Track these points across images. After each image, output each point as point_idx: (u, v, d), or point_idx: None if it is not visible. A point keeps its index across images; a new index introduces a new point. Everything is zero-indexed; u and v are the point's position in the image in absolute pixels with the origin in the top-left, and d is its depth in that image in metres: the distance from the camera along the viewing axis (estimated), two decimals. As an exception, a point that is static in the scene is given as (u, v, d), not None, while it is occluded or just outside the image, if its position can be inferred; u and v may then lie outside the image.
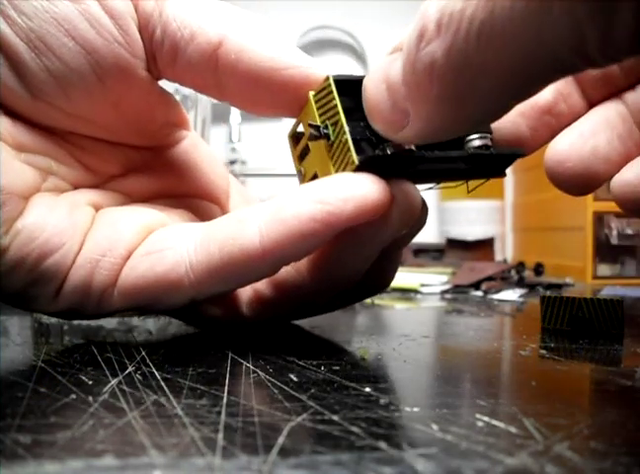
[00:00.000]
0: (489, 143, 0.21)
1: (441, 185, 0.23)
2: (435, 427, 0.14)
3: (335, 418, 0.15)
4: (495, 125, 0.22)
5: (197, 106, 0.58)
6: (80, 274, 0.23)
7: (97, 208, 0.24)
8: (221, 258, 0.21)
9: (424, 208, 0.22)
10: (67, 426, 0.14)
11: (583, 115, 0.22)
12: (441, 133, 0.17)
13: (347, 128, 0.20)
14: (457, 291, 0.50)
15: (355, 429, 0.14)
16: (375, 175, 0.20)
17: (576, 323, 0.28)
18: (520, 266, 0.67)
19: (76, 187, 0.25)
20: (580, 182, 0.21)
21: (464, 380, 0.20)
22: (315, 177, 0.22)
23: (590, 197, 0.63)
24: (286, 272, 0.23)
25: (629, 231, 0.63)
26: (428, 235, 0.87)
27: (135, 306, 0.24)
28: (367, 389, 0.17)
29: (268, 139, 0.90)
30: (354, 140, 0.20)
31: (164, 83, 0.25)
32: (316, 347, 0.26)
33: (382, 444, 0.13)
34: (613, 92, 0.22)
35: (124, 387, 0.18)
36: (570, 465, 0.12)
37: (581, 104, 0.22)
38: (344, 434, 0.14)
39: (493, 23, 0.13)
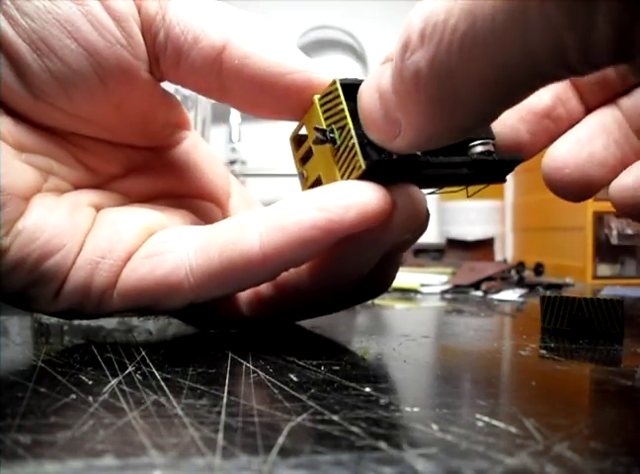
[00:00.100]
0: (492, 149, 0.21)
1: (443, 189, 0.23)
2: (435, 427, 0.14)
3: (335, 418, 0.15)
4: (495, 131, 0.22)
5: (197, 106, 0.58)
6: (80, 275, 0.23)
7: (97, 209, 0.24)
8: (221, 262, 0.21)
9: (426, 213, 0.23)
10: (67, 426, 0.14)
11: (581, 119, 0.22)
12: (434, 142, 0.17)
13: (354, 133, 0.20)
14: (457, 291, 0.50)
15: (355, 429, 0.14)
16: (380, 180, 0.20)
17: (576, 323, 0.28)
18: (520, 266, 0.67)
19: (77, 187, 0.25)
20: (577, 188, 0.21)
21: (464, 380, 0.20)
22: (318, 180, 0.22)
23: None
24: (287, 272, 0.23)
25: (629, 231, 0.63)
26: (428, 235, 0.86)
27: (135, 307, 0.24)
28: (367, 389, 0.17)
29: (268, 139, 0.90)
30: (359, 145, 0.20)
31: (164, 83, 0.25)
32: (316, 347, 0.26)
33: (382, 444, 0.13)
34: (611, 96, 0.22)
35: (124, 387, 0.18)
36: (570, 465, 0.12)
37: (579, 108, 0.22)
38: (344, 434, 0.14)
39: (475, 34, 0.13)
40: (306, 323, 0.29)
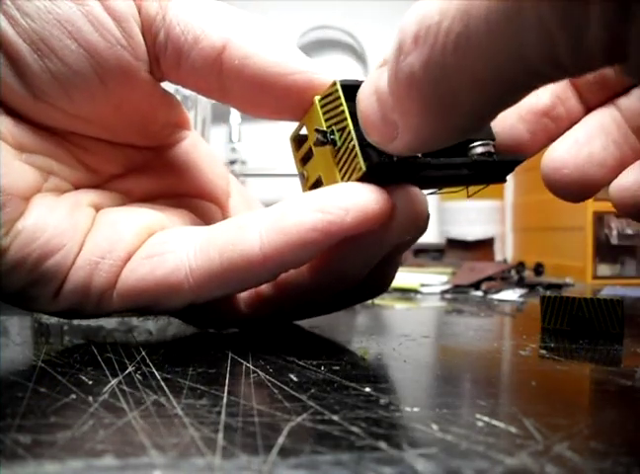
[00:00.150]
0: (492, 150, 0.21)
1: (443, 190, 0.23)
2: (435, 427, 0.14)
3: (335, 418, 0.15)
4: (495, 130, 0.22)
5: (197, 106, 0.58)
6: (79, 275, 0.23)
7: (97, 209, 0.24)
8: (221, 263, 0.21)
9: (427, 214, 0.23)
10: (67, 426, 0.14)
11: (580, 118, 0.22)
12: (431, 143, 0.17)
13: (354, 135, 0.20)
14: (457, 291, 0.50)
15: (355, 429, 0.14)
16: (381, 181, 0.20)
17: (576, 323, 0.28)
18: (520, 266, 0.67)
19: (77, 187, 0.25)
20: (576, 188, 0.21)
21: (464, 380, 0.20)
22: (318, 181, 0.22)
23: (590, 197, 0.63)
24: (287, 272, 0.23)
25: (629, 231, 0.63)
26: (428, 235, 0.86)
27: (134, 308, 0.24)
28: (367, 389, 0.18)
29: (268, 139, 0.90)
30: (360, 146, 0.20)
31: (164, 83, 0.25)
32: (316, 347, 0.26)
33: (382, 444, 0.13)
34: (610, 96, 0.22)
35: (124, 387, 0.18)
36: (570, 465, 0.12)
37: (578, 108, 0.22)
38: (344, 434, 0.14)
39: (469, 35, 0.13)
40: (306, 323, 0.29)
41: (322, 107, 0.21)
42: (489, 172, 0.22)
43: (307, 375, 0.19)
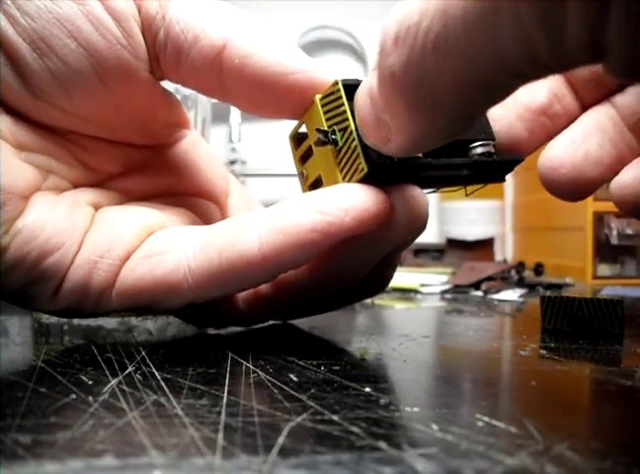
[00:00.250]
0: (492, 150, 0.21)
1: (442, 189, 0.23)
2: (435, 427, 0.14)
3: (335, 418, 0.15)
4: (493, 129, 0.22)
5: (197, 105, 0.58)
6: (78, 274, 0.23)
7: (97, 208, 0.24)
8: (220, 263, 0.21)
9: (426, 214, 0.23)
10: (67, 426, 0.14)
11: (577, 116, 0.22)
12: (423, 144, 0.17)
13: (356, 135, 0.20)
14: (457, 291, 0.50)
15: (355, 429, 0.14)
16: (381, 181, 0.20)
17: (576, 323, 0.28)
18: (520, 266, 0.67)
19: (76, 185, 0.25)
20: (574, 187, 0.21)
21: (464, 380, 0.20)
22: (318, 180, 0.22)
23: (590, 197, 0.63)
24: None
25: (629, 231, 0.63)
26: (428, 235, 0.86)
27: (133, 307, 0.24)
28: (367, 389, 0.17)
29: (268, 139, 0.90)
30: (362, 147, 0.20)
31: (164, 82, 0.25)
32: (316, 347, 0.26)
33: (382, 444, 0.13)
34: (606, 93, 0.22)
35: (124, 387, 0.18)
36: (570, 465, 0.12)
37: (575, 105, 0.22)
38: (344, 434, 0.14)
39: (447, 36, 0.13)
40: (305, 323, 0.29)
41: (323, 106, 0.21)
42: (489, 172, 0.22)
43: (307, 375, 0.19)
